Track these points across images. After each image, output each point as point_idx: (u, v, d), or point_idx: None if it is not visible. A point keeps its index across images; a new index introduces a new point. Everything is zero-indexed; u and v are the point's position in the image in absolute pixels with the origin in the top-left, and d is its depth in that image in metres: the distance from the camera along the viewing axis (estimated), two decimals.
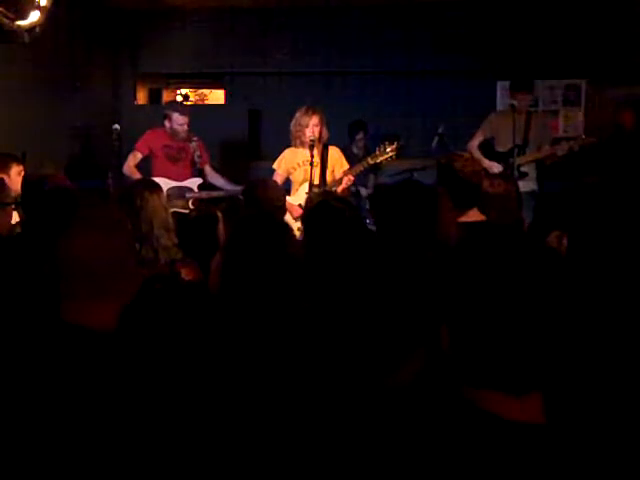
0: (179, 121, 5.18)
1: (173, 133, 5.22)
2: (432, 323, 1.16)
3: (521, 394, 0.99)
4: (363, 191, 5.52)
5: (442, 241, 2.34)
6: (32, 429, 1.30)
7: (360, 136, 6.13)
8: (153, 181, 3.35)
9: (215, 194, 5.20)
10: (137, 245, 2.65)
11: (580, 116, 6.66)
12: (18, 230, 3.18)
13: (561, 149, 4.99)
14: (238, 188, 4.96)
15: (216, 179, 5.29)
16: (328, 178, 4.73)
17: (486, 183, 2.98)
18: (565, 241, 2.31)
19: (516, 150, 5.03)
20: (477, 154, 5.12)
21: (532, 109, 5.08)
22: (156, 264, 2.80)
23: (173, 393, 1.41)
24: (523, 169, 5.04)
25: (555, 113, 6.65)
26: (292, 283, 1.67)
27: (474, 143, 5.26)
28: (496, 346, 0.98)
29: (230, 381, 1.47)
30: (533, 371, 0.99)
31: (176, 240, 2.94)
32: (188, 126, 5.21)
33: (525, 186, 5.00)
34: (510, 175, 4.73)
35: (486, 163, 5.02)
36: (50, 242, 1.53)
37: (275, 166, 4.89)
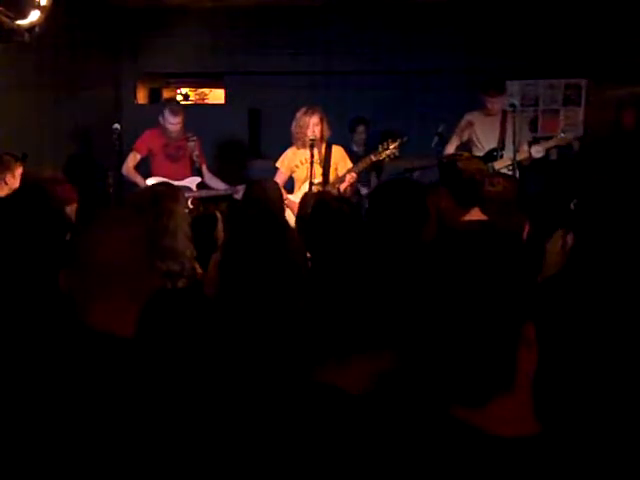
0: (170, 120, 5.18)
1: (165, 131, 5.22)
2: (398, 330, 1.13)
3: (483, 405, 0.94)
4: (363, 190, 5.52)
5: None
6: (53, 432, 1.30)
7: (361, 129, 6.14)
8: (175, 187, 3.21)
9: (214, 193, 5.20)
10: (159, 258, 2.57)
11: (580, 115, 6.64)
12: None
13: (536, 150, 4.86)
14: (234, 188, 4.98)
15: (212, 180, 5.29)
16: (331, 176, 4.74)
17: (486, 182, 2.99)
18: (569, 239, 2.30)
19: (498, 153, 4.95)
20: None
21: (509, 109, 5.00)
22: (181, 276, 2.73)
23: (187, 395, 1.41)
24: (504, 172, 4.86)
25: (555, 112, 6.63)
26: (290, 282, 1.67)
27: (450, 149, 5.15)
28: (452, 359, 0.94)
29: (232, 379, 1.47)
30: (490, 382, 0.94)
31: (195, 252, 2.86)
32: (182, 126, 5.21)
33: None
34: (512, 175, 4.67)
35: None
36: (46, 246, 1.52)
37: (278, 164, 4.91)
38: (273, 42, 6.83)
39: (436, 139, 5.12)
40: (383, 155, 4.58)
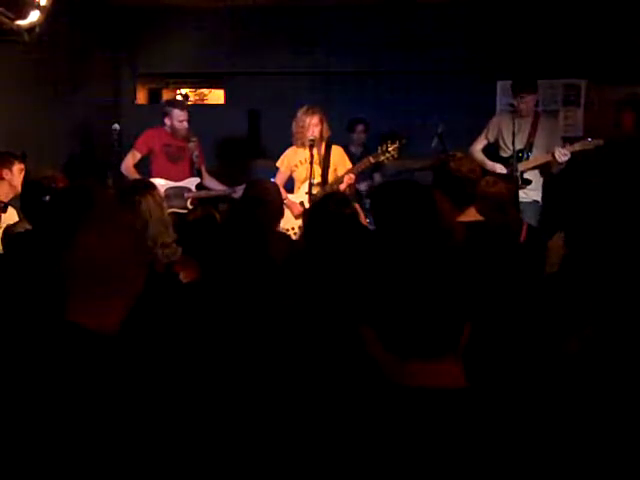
0: (179, 117, 5.14)
1: (173, 131, 5.18)
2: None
3: (438, 356, 1.19)
4: (362, 186, 5.52)
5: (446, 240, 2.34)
6: (36, 430, 1.31)
7: (360, 129, 6.13)
8: (145, 181, 3.35)
9: (214, 193, 5.19)
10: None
11: (580, 116, 6.64)
12: (19, 229, 3.17)
13: (562, 154, 4.68)
14: (232, 189, 4.98)
15: (210, 182, 5.28)
16: (330, 177, 4.75)
17: (482, 181, 2.99)
18: None
19: (525, 155, 4.90)
20: (480, 157, 5.02)
21: (538, 109, 4.91)
22: (155, 264, 2.80)
23: (174, 393, 1.42)
24: (527, 176, 4.85)
25: (555, 113, 6.62)
26: (272, 282, 1.68)
27: (477, 147, 5.13)
28: (414, 316, 1.18)
29: (223, 377, 1.48)
30: (447, 336, 1.21)
31: (175, 235, 2.94)
32: (188, 123, 5.19)
33: (527, 196, 4.89)
34: (511, 176, 4.64)
35: (489, 165, 4.95)
36: (59, 242, 1.54)
37: (278, 164, 4.93)
38: (273, 42, 6.83)
39: (436, 139, 5.12)
40: (382, 157, 4.58)
